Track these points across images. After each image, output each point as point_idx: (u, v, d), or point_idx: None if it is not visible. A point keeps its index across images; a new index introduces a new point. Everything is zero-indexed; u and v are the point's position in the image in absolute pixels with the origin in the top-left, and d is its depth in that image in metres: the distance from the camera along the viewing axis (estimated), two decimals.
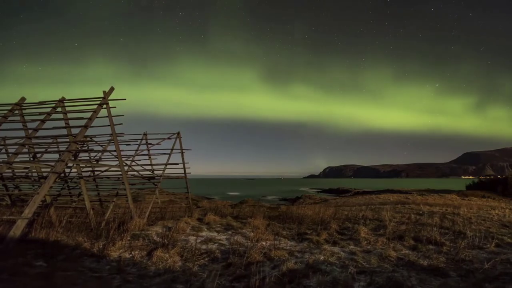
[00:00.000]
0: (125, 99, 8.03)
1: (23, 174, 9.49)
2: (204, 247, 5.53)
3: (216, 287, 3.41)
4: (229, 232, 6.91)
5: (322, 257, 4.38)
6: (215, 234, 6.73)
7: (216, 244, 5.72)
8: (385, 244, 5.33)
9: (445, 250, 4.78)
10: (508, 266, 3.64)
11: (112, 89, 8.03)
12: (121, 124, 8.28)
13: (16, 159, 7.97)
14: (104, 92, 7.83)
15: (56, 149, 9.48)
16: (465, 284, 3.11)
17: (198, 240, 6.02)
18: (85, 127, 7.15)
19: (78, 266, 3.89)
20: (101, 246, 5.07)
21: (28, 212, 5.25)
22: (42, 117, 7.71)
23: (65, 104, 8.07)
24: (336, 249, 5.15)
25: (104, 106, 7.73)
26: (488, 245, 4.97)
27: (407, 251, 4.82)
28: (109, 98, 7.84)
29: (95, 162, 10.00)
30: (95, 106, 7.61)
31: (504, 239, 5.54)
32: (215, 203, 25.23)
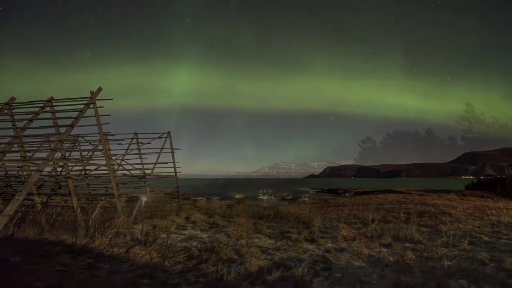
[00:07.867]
0: (112, 99, 8.14)
1: (15, 173, 9.63)
2: (184, 244, 5.60)
3: (181, 282, 3.48)
4: (212, 230, 6.98)
5: (294, 254, 4.43)
6: (198, 232, 6.81)
7: (196, 242, 5.78)
8: (361, 242, 5.37)
9: (420, 248, 4.81)
10: (469, 263, 3.67)
11: (100, 89, 8.14)
12: (108, 123, 8.39)
13: (9, 158, 8.11)
14: (91, 92, 7.94)
15: (48, 148, 9.60)
16: (421, 280, 3.14)
17: (180, 238, 6.10)
18: (71, 126, 7.25)
19: (52, 261, 3.98)
20: (81, 244, 5.16)
21: (10, 209, 5.35)
22: (31, 116, 7.84)
23: (54, 104, 8.19)
24: (312, 246, 5.20)
25: (91, 106, 7.85)
26: (462, 243, 4.99)
27: (380, 249, 4.85)
28: (96, 98, 7.95)
29: (86, 161, 10.11)
30: (82, 106, 7.73)
31: (481, 237, 5.56)
32: (212, 203, 25.31)
